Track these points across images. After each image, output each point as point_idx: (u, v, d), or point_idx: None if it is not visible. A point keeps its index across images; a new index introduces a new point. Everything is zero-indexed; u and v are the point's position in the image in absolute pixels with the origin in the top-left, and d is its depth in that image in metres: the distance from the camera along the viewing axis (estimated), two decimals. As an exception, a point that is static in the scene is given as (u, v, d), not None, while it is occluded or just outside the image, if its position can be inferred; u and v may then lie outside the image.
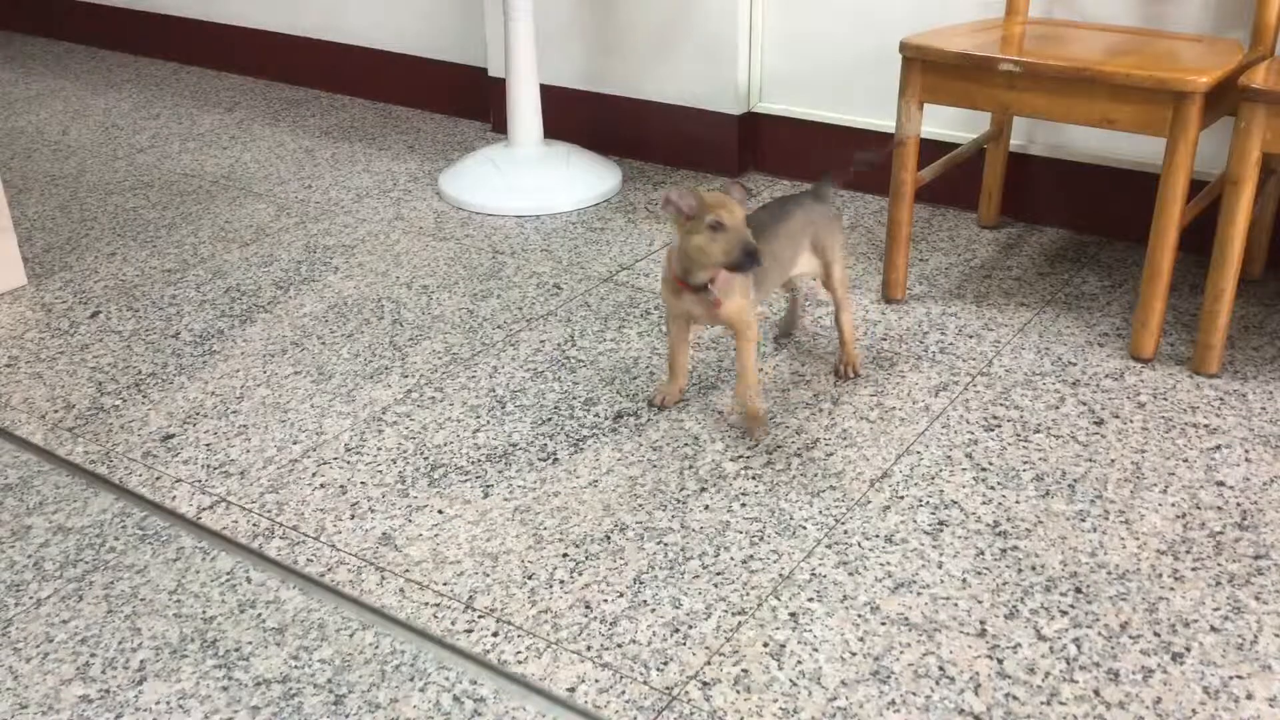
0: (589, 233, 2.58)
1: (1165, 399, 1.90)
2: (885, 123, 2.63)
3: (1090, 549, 1.56)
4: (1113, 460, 1.75)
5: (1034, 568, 1.53)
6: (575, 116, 3.01)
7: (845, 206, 2.70)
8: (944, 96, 2.07)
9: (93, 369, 2.07)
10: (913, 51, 2.06)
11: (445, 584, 1.53)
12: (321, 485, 1.74)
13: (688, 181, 2.84)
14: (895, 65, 2.12)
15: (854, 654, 1.40)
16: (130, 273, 2.44)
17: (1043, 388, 1.94)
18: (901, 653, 1.40)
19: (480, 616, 1.47)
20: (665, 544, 1.59)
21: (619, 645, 1.42)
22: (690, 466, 1.76)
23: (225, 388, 2.00)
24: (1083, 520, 1.62)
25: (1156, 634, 1.42)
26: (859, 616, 1.45)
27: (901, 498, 1.68)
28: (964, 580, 1.51)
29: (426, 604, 1.50)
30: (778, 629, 1.44)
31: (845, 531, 1.61)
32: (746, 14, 2.72)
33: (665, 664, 1.39)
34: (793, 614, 1.46)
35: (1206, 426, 1.83)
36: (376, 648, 1.43)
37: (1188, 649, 1.39)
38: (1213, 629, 1.42)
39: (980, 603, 1.47)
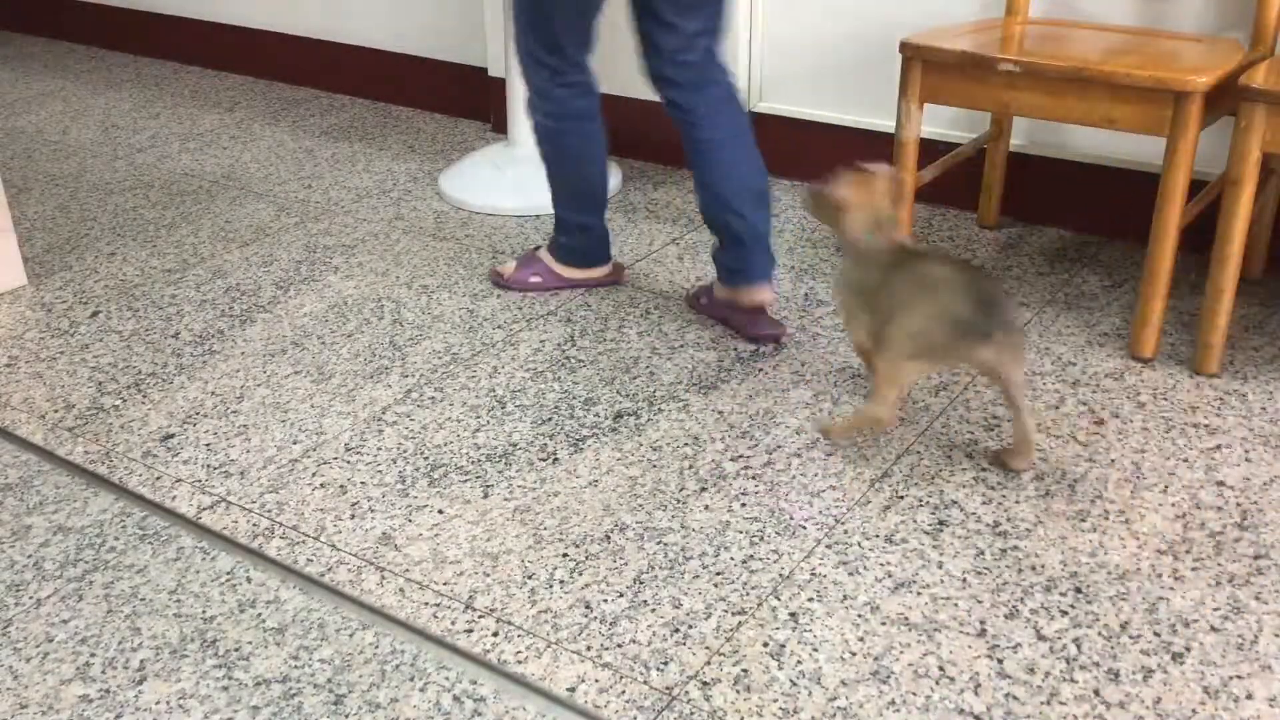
0: (589, 233, 2.57)
1: (1165, 399, 1.90)
2: (885, 123, 2.63)
3: (1090, 549, 1.56)
4: (1113, 460, 1.75)
5: (1034, 568, 1.53)
6: (575, 116, 3.00)
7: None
8: (944, 96, 2.07)
9: (93, 369, 2.07)
10: (913, 51, 2.06)
11: (445, 584, 1.53)
12: (321, 485, 1.74)
13: (688, 182, 2.84)
14: (895, 65, 2.12)
15: (854, 654, 1.40)
16: (130, 273, 2.44)
17: (1043, 388, 1.94)
18: (901, 653, 1.40)
19: (480, 616, 1.47)
20: (665, 544, 1.59)
21: (619, 645, 1.42)
22: (690, 466, 1.76)
23: (225, 388, 2.00)
24: (1083, 520, 1.62)
25: (1156, 634, 1.42)
26: (859, 616, 1.45)
27: (901, 498, 1.68)
28: (964, 580, 1.51)
29: (426, 604, 1.50)
30: (778, 629, 1.44)
31: (845, 531, 1.61)
32: (746, 14, 2.72)
33: (665, 664, 1.39)
34: (793, 614, 1.46)
35: (1206, 426, 1.83)
36: (376, 648, 1.43)
37: (1188, 649, 1.39)
38: (1213, 629, 1.42)
39: (980, 603, 1.47)
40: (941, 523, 1.62)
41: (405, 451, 1.81)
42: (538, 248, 2.35)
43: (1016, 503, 1.66)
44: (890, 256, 1.71)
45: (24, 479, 1.77)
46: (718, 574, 1.53)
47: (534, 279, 2.31)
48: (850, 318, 1.78)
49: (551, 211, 2.69)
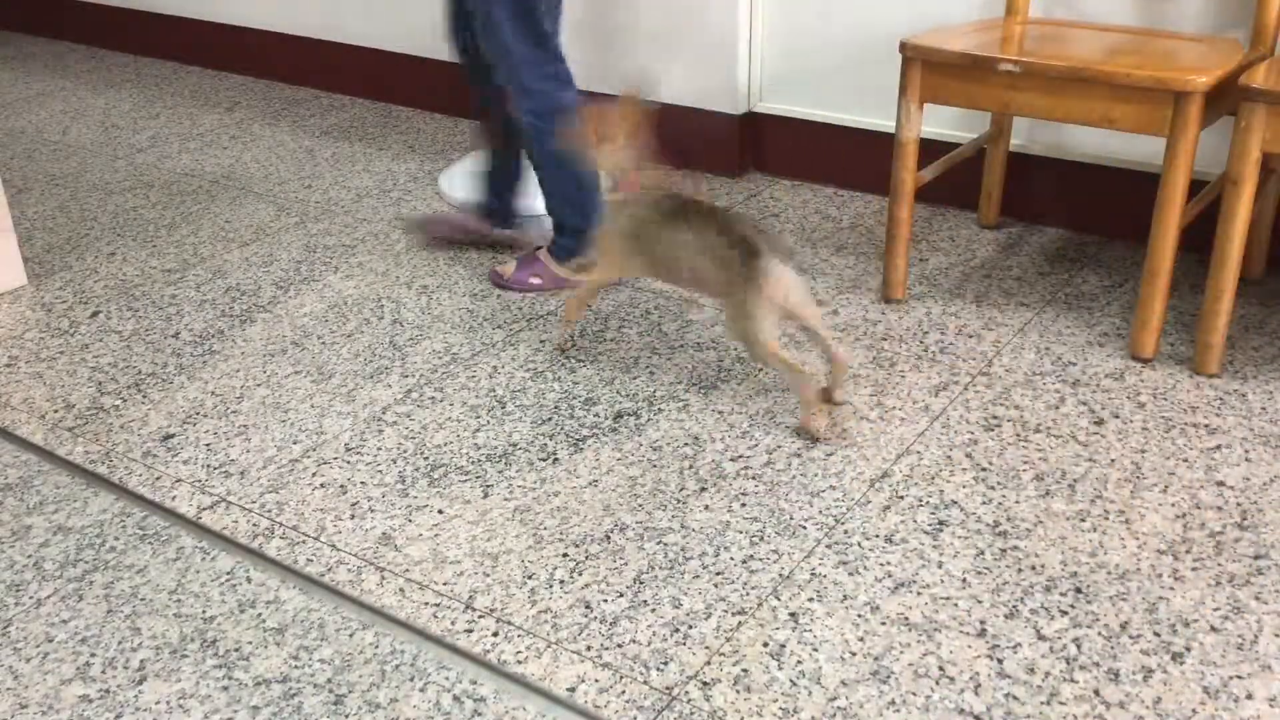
0: (589, 233, 2.58)
1: (1165, 399, 1.90)
2: (885, 123, 2.63)
3: (1090, 549, 1.56)
4: (1113, 460, 1.75)
5: (1034, 568, 1.53)
6: (575, 116, 3.01)
7: (846, 206, 2.70)
8: (944, 96, 2.07)
9: (93, 369, 2.07)
10: (913, 51, 2.06)
11: (445, 584, 1.53)
12: (321, 485, 1.74)
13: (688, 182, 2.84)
14: (895, 65, 2.12)
15: (854, 654, 1.40)
16: (130, 273, 2.44)
17: (1043, 388, 1.94)
18: (901, 653, 1.40)
19: (480, 616, 1.47)
20: (665, 544, 1.59)
21: (619, 645, 1.42)
22: (690, 466, 1.76)
23: (225, 388, 2.00)
24: (1083, 520, 1.62)
25: (1156, 634, 1.42)
26: (859, 616, 1.45)
27: (901, 498, 1.68)
28: (964, 580, 1.51)
29: (426, 604, 1.50)
30: (778, 629, 1.44)
31: (845, 531, 1.61)
32: (746, 14, 2.72)
33: (665, 664, 1.39)
34: (793, 614, 1.46)
35: (1206, 426, 1.83)
36: (376, 648, 1.43)
37: (1188, 649, 1.39)
38: (1213, 629, 1.42)
39: (980, 603, 1.47)
40: (941, 523, 1.62)
41: (405, 451, 1.81)
42: (538, 248, 2.36)
43: (1016, 503, 1.66)
44: (663, 206, 1.86)
45: (24, 479, 1.77)
46: (718, 574, 1.53)
47: (534, 280, 2.31)
48: (604, 264, 1.96)
49: (543, 212, 2.71)
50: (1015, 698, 1.33)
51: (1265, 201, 2.20)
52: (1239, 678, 1.35)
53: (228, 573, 1.56)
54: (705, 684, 1.36)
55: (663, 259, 1.85)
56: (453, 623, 1.46)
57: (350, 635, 1.45)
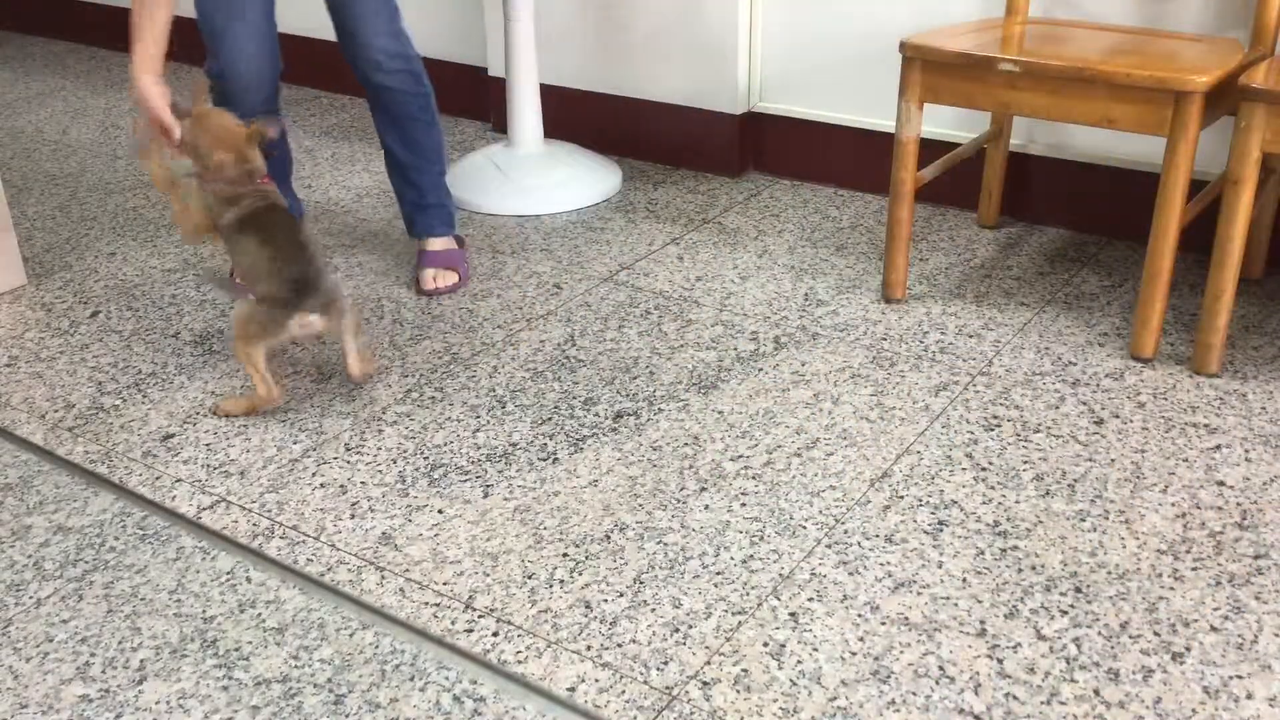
0: (589, 233, 2.58)
1: (1165, 399, 1.90)
2: (885, 123, 2.63)
3: (1090, 549, 1.56)
4: (1113, 460, 1.75)
5: (1034, 568, 1.53)
6: (575, 116, 3.01)
7: (846, 206, 2.70)
8: (944, 96, 2.07)
9: (93, 369, 2.07)
10: (913, 51, 2.06)
11: (445, 584, 1.53)
12: (321, 485, 1.74)
13: (688, 182, 2.84)
14: (895, 65, 2.12)
15: (854, 654, 1.40)
16: (130, 273, 2.44)
17: (1043, 388, 1.94)
18: (901, 653, 1.40)
19: (480, 616, 1.47)
20: (665, 544, 1.59)
21: (619, 645, 1.42)
22: (690, 466, 1.76)
23: (225, 388, 2.00)
24: (1083, 520, 1.62)
25: (1156, 634, 1.42)
26: (859, 616, 1.46)
27: (901, 498, 1.68)
28: (964, 580, 1.51)
29: (426, 604, 1.50)
30: (778, 629, 1.44)
31: (845, 531, 1.61)
32: (746, 14, 2.72)
33: (665, 664, 1.39)
34: (793, 614, 1.46)
35: (1206, 426, 1.83)
36: (376, 648, 1.43)
37: (1188, 649, 1.40)
38: (1213, 629, 1.42)
39: (980, 603, 1.47)
40: (941, 523, 1.62)
41: (405, 451, 1.81)
42: (459, 241, 2.41)
43: (1016, 503, 1.66)
44: (235, 216, 1.88)
45: (24, 479, 1.77)
46: (718, 574, 1.53)
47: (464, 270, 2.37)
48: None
49: (544, 212, 2.74)
50: (1015, 698, 1.33)
51: (1265, 201, 2.20)
52: (1239, 678, 1.35)
53: (228, 573, 1.56)
54: (705, 684, 1.36)
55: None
56: (453, 623, 1.46)
57: (350, 635, 1.45)
